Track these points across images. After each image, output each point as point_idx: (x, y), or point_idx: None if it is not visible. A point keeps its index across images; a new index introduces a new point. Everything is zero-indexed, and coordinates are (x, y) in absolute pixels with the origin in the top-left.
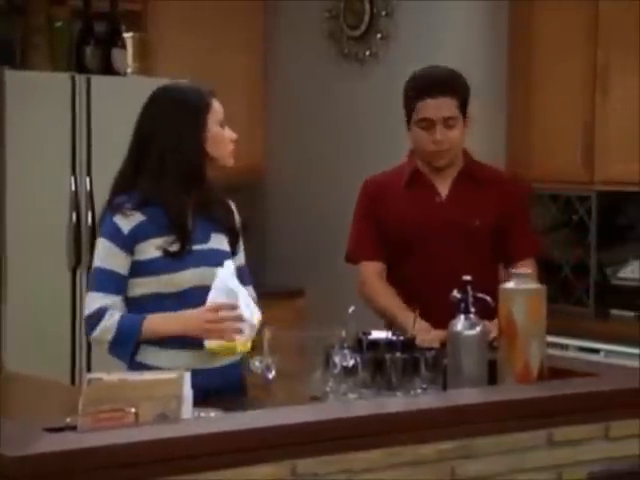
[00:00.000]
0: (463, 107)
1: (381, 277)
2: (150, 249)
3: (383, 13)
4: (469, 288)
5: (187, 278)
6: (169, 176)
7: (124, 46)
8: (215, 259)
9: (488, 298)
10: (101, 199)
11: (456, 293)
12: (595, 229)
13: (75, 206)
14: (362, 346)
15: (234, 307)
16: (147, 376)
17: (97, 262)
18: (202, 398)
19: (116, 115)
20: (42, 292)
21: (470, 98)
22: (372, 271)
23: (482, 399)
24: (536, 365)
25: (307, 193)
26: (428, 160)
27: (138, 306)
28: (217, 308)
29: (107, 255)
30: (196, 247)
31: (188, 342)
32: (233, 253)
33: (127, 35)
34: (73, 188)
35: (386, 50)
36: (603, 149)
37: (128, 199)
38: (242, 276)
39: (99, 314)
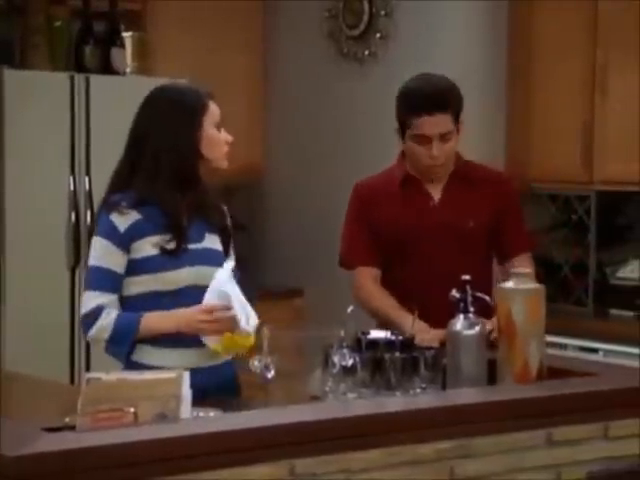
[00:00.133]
0: (458, 118)
1: (376, 281)
2: (146, 247)
3: (382, 13)
4: (468, 288)
5: (183, 276)
6: (164, 176)
7: (123, 46)
8: (210, 258)
9: (487, 298)
10: (100, 199)
11: (455, 293)
12: (594, 229)
13: (74, 206)
14: (361, 346)
15: (228, 309)
16: (146, 376)
17: (93, 261)
18: (197, 397)
19: (115, 115)
20: (41, 292)
21: (463, 104)
22: (367, 276)
23: (481, 399)
24: (535, 365)
25: (306, 193)
26: (424, 173)
27: (134, 305)
28: (211, 309)
29: (104, 254)
30: (191, 246)
31: (183, 341)
32: (225, 253)
33: (126, 35)
34: (72, 188)
35: (385, 50)
36: (602, 149)
37: (124, 198)
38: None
39: (96, 313)
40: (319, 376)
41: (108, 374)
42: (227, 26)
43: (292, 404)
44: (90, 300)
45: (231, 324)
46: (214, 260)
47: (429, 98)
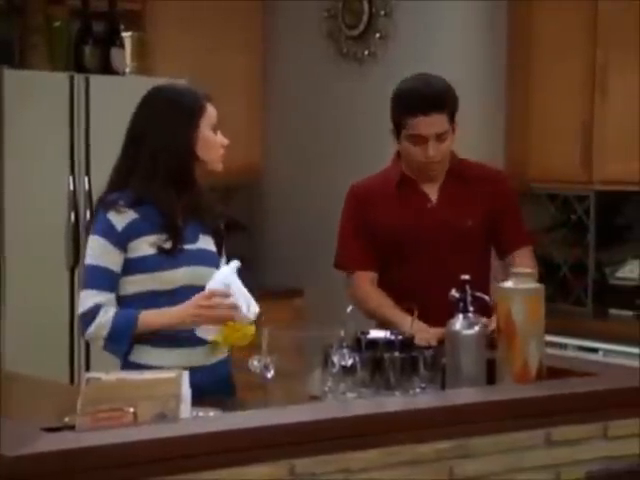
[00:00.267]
0: (453, 118)
1: (372, 283)
2: (143, 246)
3: (382, 13)
4: (467, 287)
5: (179, 276)
6: (161, 175)
7: (123, 46)
8: (205, 259)
9: (486, 297)
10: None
11: (454, 292)
12: (593, 229)
13: (73, 206)
14: (361, 345)
15: (227, 295)
16: (146, 376)
17: (90, 259)
18: (193, 396)
19: (115, 115)
20: (40, 291)
21: (458, 104)
22: (363, 279)
23: (480, 398)
24: (535, 364)
25: (305, 193)
26: (420, 172)
27: (130, 304)
28: (210, 295)
29: (101, 252)
30: (186, 246)
31: (179, 340)
32: (218, 255)
33: (126, 35)
34: (71, 188)
35: (385, 50)
36: (602, 149)
37: (121, 197)
38: None
39: (93, 311)
40: (319, 376)
41: (108, 374)
42: (226, 26)
43: (292, 404)
44: (88, 299)
45: (230, 313)
46: (209, 261)
47: (425, 98)
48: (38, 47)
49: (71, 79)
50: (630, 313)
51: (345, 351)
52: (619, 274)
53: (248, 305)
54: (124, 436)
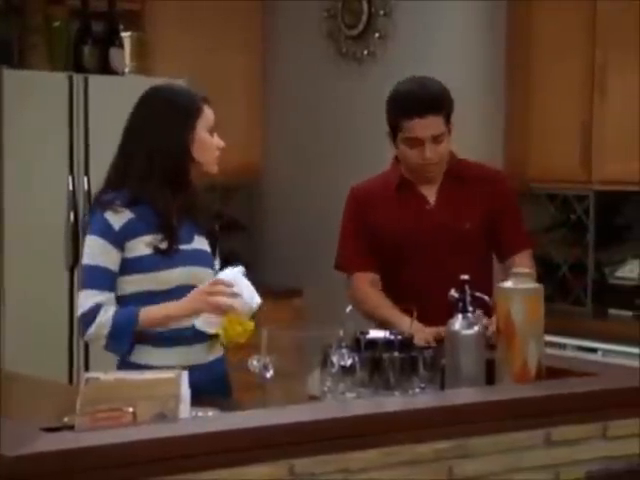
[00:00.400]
0: (448, 118)
1: (372, 285)
2: (139, 246)
3: (381, 13)
4: (467, 287)
5: (175, 276)
6: (156, 175)
7: (122, 46)
8: (200, 259)
9: (486, 297)
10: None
11: (454, 292)
12: (593, 228)
13: (73, 205)
14: (360, 345)
15: (230, 285)
16: (145, 376)
17: (88, 259)
18: (190, 395)
19: (114, 115)
20: (40, 291)
21: (453, 105)
22: (363, 280)
23: (480, 398)
24: (534, 364)
25: (305, 192)
26: (417, 174)
27: (127, 304)
28: (214, 283)
29: (100, 252)
30: (182, 247)
31: (175, 339)
32: (212, 255)
33: (125, 35)
34: (71, 187)
35: (384, 49)
36: (601, 149)
37: (117, 196)
38: None
39: (94, 311)
40: (318, 376)
41: (107, 374)
42: (226, 26)
43: (291, 404)
44: (87, 299)
45: (232, 301)
46: (204, 261)
47: (420, 100)
48: (37, 47)
49: (70, 79)
50: (629, 313)
51: (344, 351)
52: (618, 274)
53: (251, 296)
54: (123, 436)
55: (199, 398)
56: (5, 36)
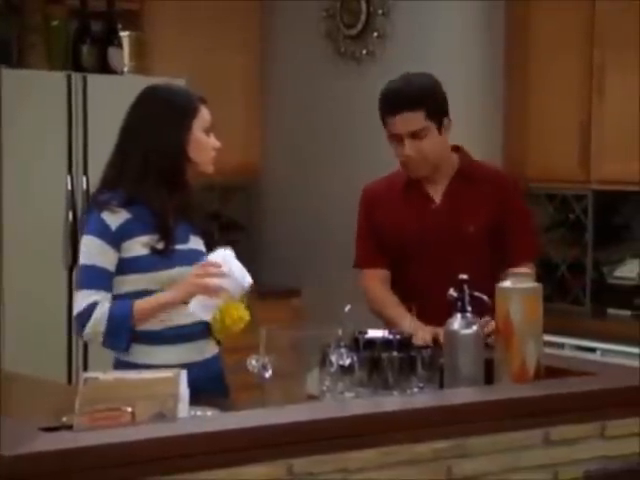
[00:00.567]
0: (436, 115)
1: (382, 283)
2: (136, 247)
3: (379, 12)
4: (465, 287)
5: (172, 276)
6: (152, 175)
7: (120, 45)
8: (197, 259)
9: (485, 297)
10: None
11: (452, 292)
12: (591, 228)
13: (71, 205)
14: (359, 345)
15: (218, 265)
16: (144, 375)
17: (85, 259)
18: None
19: (112, 114)
20: (38, 291)
21: (447, 104)
22: (373, 278)
23: (478, 398)
24: (532, 364)
25: (303, 193)
26: (409, 172)
27: None
28: (203, 265)
29: (97, 252)
30: (178, 247)
31: (171, 337)
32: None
33: (123, 34)
34: (69, 187)
35: (383, 49)
36: (599, 148)
37: (114, 196)
38: None
39: (90, 310)
40: (317, 375)
41: (105, 374)
42: (224, 26)
43: (289, 404)
44: (84, 299)
45: (219, 283)
46: (200, 261)
47: (397, 97)
48: (36, 46)
49: (69, 78)
50: (628, 312)
51: (343, 351)
52: (617, 273)
53: (242, 275)
54: (122, 436)
55: (197, 397)
56: (4, 35)
